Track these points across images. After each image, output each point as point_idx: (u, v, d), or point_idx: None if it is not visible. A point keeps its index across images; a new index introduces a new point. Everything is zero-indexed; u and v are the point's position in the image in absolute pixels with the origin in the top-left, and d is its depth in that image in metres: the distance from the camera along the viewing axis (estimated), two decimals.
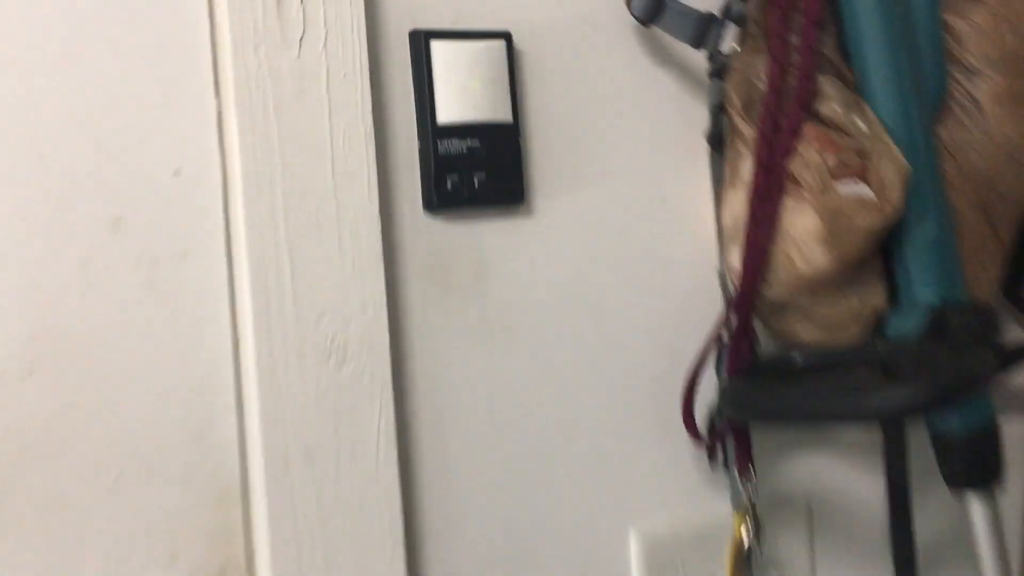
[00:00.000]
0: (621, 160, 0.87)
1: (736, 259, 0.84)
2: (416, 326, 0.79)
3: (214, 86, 0.72)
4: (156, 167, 0.71)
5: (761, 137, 0.81)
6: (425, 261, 0.80)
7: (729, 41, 0.85)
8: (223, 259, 0.72)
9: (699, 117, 0.89)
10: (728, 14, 0.84)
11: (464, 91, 0.79)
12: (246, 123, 0.71)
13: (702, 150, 0.89)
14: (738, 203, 0.84)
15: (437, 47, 0.78)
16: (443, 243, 0.80)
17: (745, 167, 0.84)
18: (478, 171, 0.80)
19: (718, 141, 0.86)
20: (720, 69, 0.85)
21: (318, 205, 0.74)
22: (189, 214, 0.71)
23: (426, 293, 0.80)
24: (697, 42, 0.83)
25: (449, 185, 0.79)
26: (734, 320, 0.83)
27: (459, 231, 0.81)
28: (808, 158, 0.80)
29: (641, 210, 0.88)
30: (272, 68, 0.72)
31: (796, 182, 0.81)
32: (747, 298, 0.82)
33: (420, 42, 0.78)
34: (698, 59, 0.88)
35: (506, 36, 0.81)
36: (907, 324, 0.81)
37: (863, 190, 0.79)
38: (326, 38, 0.74)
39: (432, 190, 0.79)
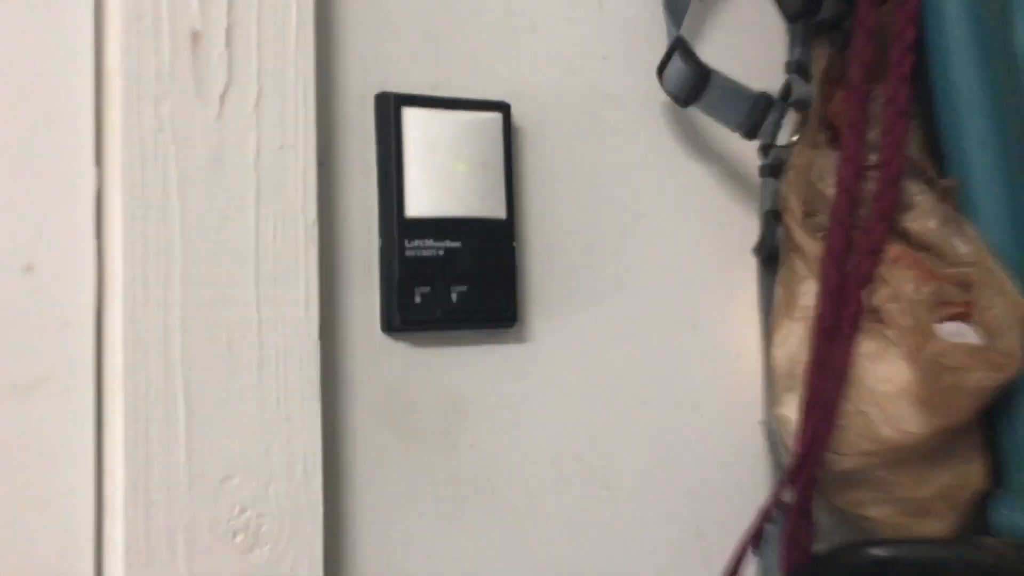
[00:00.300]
0: (642, 273, 0.67)
1: (792, 412, 0.63)
2: (364, 492, 0.58)
3: (94, 150, 0.52)
4: None
5: (829, 256, 0.62)
6: (381, 401, 0.59)
7: (787, 131, 0.66)
8: (89, 393, 0.51)
9: (745, 225, 0.70)
10: (788, 97, 0.65)
11: (444, 176, 0.59)
12: (135, 203, 0.51)
13: (747, 266, 0.70)
14: (796, 339, 0.64)
15: (411, 117, 0.59)
16: (406, 376, 0.60)
17: (806, 293, 0.64)
18: (457, 282, 0.60)
19: (770, 256, 0.66)
20: (776, 166, 0.66)
21: (231, 321, 0.53)
22: (43, 327, 0.51)
23: (380, 445, 0.59)
24: (749, 130, 0.64)
25: (418, 298, 0.59)
26: (789, 495, 0.62)
27: (428, 360, 0.60)
28: (896, 288, 0.61)
29: (666, 339, 0.68)
30: (178, 131, 0.52)
31: (878, 319, 0.61)
32: (808, 467, 0.61)
33: (389, 108, 0.59)
34: (746, 152, 0.69)
35: (503, 108, 0.62)
36: (1020, 517, 0.61)
37: (969, 335, 0.60)
38: (259, 95, 0.54)
39: (395, 305, 0.58)
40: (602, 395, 0.65)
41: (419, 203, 0.59)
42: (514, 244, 0.61)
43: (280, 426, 0.54)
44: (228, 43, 0.54)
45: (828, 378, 0.61)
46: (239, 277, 0.53)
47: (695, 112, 0.67)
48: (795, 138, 0.66)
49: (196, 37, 0.53)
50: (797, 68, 0.65)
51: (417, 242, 0.59)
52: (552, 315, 0.64)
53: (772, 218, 0.65)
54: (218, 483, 0.52)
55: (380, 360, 0.59)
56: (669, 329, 0.68)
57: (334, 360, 0.58)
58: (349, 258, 0.59)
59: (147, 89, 0.51)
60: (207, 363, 0.52)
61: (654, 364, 0.67)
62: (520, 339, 0.63)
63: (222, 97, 0.53)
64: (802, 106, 0.65)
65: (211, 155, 0.53)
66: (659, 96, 0.67)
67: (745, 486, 0.69)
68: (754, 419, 0.70)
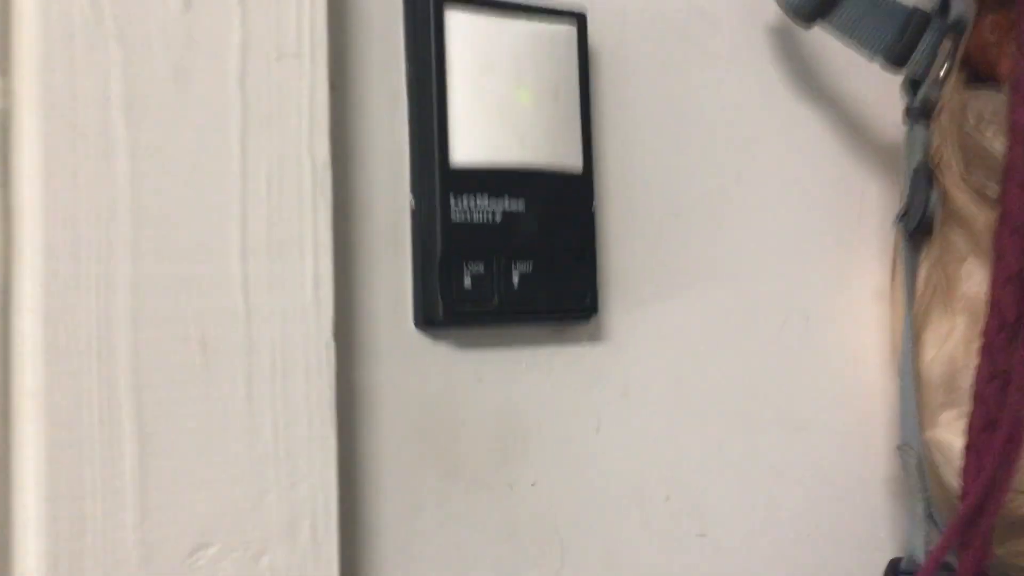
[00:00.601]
0: (744, 249, 0.51)
1: (956, 437, 0.48)
2: (395, 556, 0.41)
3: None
4: None
5: (1007, 226, 0.46)
6: (415, 426, 0.42)
7: (939, 64, 0.51)
8: None
9: (873, 187, 0.55)
10: (947, 14, 0.49)
11: (503, 108, 0.42)
12: (58, 135, 0.33)
13: (878, 240, 0.54)
14: (958, 338, 0.48)
15: (458, 22, 0.41)
16: (449, 390, 0.43)
17: (970, 276, 0.49)
18: (520, 258, 0.43)
19: (920, 227, 0.50)
20: (926, 108, 0.50)
21: (205, 312, 0.35)
22: None
23: (415, 488, 0.41)
24: (897, 56, 0.48)
25: (468, 281, 0.42)
26: (952, 545, 0.46)
27: (479, 367, 0.43)
28: None
29: (772, 335, 0.51)
30: (125, 24, 0.34)
31: None
32: (987, 516, 0.45)
33: (426, 9, 0.41)
34: (881, 89, 0.53)
35: (578, 18, 0.45)
36: None
37: None
38: None
39: (435, 291, 0.41)
40: (696, 413, 0.49)
41: (469, 146, 0.41)
42: (594, 208, 0.45)
43: (278, 466, 0.36)
44: None
45: (1011, 391, 0.45)
46: (216, 246, 0.36)
47: (816, 36, 0.51)
48: (944, 70, 0.50)
49: None
50: None
51: (467, 201, 0.41)
52: (635, 305, 0.48)
53: (923, 176, 0.49)
54: (185, 556, 0.35)
55: (414, 367, 0.42)
56: (775, 322, 0.52)
57: (350, 370, 0.40)
58: (369, 223, 0.41)
59: None
60: (169, 374, 0.35)
61: (758, 370, 0.51)
62: (596, 337, 0.46)
63: None
64: (959, 28, 0.49)
65: (174, 63, 0.35)
66: (769, 13, 0.51)
67: (873, 532, 0.53)
68: (885, 443, 0.54)
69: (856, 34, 0.48)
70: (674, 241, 0.49)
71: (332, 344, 0.38)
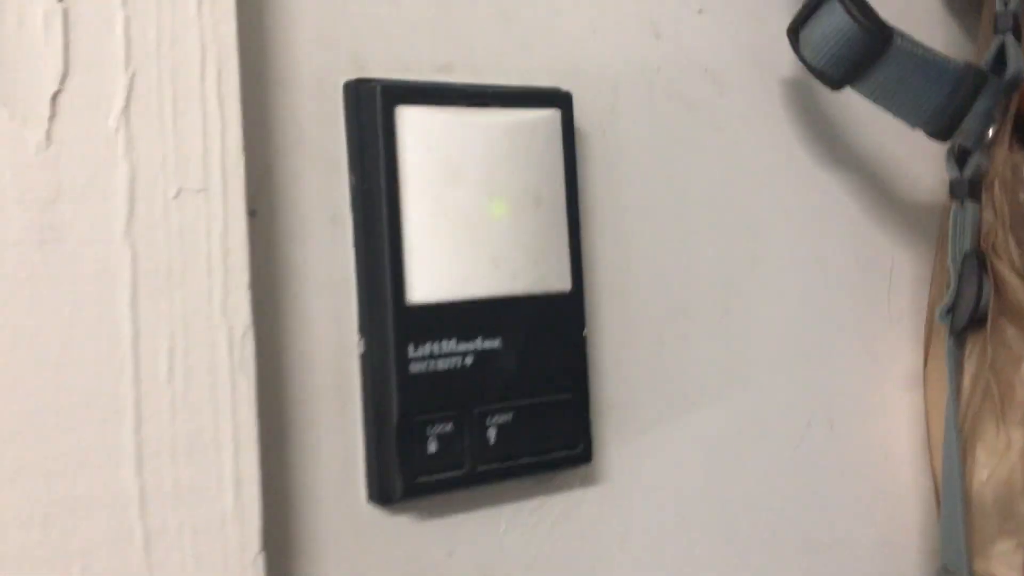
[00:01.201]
0: (759, 351, 0.43)
1: (1013, 573, 0.41)
2: None
3: None
4: None
5: None
6: None
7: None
8: None
9: (904, 258, 0.47)
10: (1003, 70, 0.41)
11: (471, 225, 0.34)
12: None
13: (909, 320, 0.47)
14: (1013, 456, 0.41)
15: (413, 121, 0.33)
16: (415, 570, 0.35)
17: None
18: (497, 407, 0.34)
19: (972, 323, 0.42)
20: (976, 182, 0.42)
21: (87, 544, 0.27)
22: None
23: None
24: (946, 125, 0.40)
25: (432, 446, 0.33)
26: None
27: (449, 538, 0.35)
28: None
29: (793, 444, 0.44)
30: None
31: None
32: None
33: (373, 107, 0.32)
34: (917, 158, 0.45)
35: (562, 100, 0.36)
36: None
37: None
38: (129, 91, 0.28)
39: (391, 461, 0.33)
40: (707, 550, 0.41)
41: (430, 277, 0.33)
42: (585, 332, 0.37)
43: None
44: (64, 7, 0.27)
45: None
46: (103, 457, 0.27)
47: (838, 101, 0.42)
48: (991, 133, 0.42)
49: None
50: (1014, 24, 0.41)
51: (429, 347, 0.33)
52: (635, 434, 0.40)
53: (974, 263, 0.41)
54: None
55: (370, 552, 0.34)
56: (796, 430, 0.44)
57: (291, 569, 0.32)
58: (308, 378, 0.33)
59: None
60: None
61: (777, 488, 0.43)
62: (590, 480, 0.39)
63: (54, 101, 0.27)
64: (1014, 86, 0.41)
65: (36, 220, 0.27)
66: (783, 68, 0.43)
67: None
68: (921, 561, 0.47)
69: (895, 99, 0.40)
70: (678, 349, 0.41)
71: (261, 558, 0.30)
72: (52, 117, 0.27)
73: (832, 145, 0.45)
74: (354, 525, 0.33)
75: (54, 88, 0.27)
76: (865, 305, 0.47)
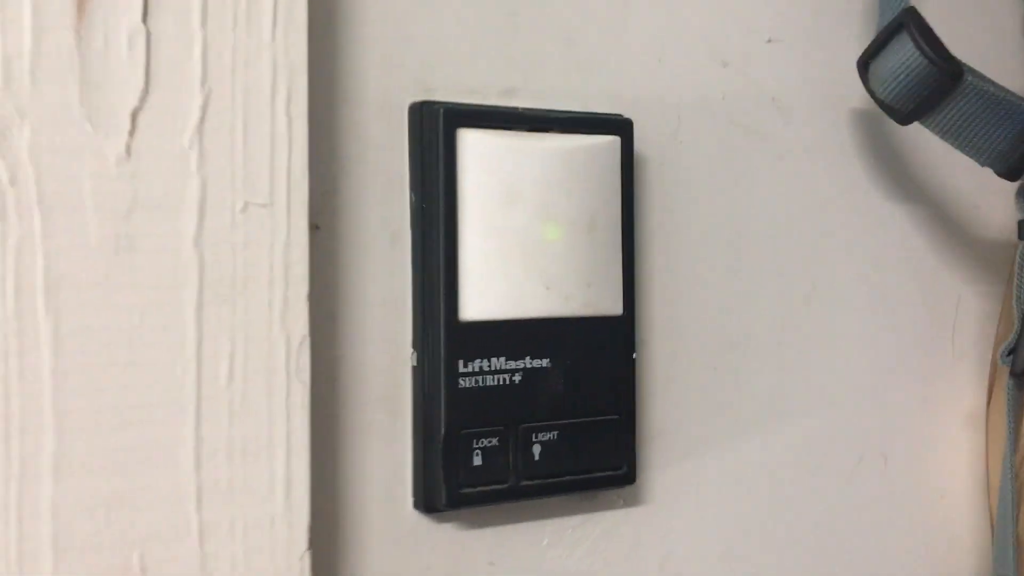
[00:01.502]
0: (815, 381, 0.43)
1: None
2: None
3: None
4: None
5: None
6: None
7: None
8: None
9: (970, 293, 0.47)
10: None
11: (526, 247, 0.35)
12: None
13: (975, 356, 0.46)
14: None
15: (473, 143, 0.34)
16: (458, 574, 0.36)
17: None
18: (543, 425, 0.35)
19: None
20: None
21: (147, 533, 0.29)
22: None
23: None
24: (1014, 165, 0.40)
25: (477, 459, 0.35)
26: None
27: (491, 549, 0.36)
28: None
29: (844, 479, 0.44)
30: (51, 185, 0.27)
31: None
32: None
33: (435, 130, 0.34)
34: (987, 196, 0.45)
35: (623, 126, 0.37)
36: None
37: None
38: (203, 112, 0.29)
39: (437, 470, 0.34)
40: None
41: (484, 296, 0.34)
42: (634, 356, 0.37)
43: None
44: (145, 11, 0.29)
45: None
46: (164, 453, 0.29)
47: (908, 133, 0.42)
48: None
49: (81, 6, 0.28)
50: None
51: (479, 362, 0.34)
52: (680, 458, 0.40)
53: None
54: None
55: (414, 558, 0.35)
56: (847, 465, 0.44)
57: (338, 569, 0.34)
58: (362, 386, 0.34)
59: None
60: None
61: (827, 524, 0.43)
62: (634, 500, 0.39)
63: (134, 116, 0.29)
64: None
65: (112, 229, 0.28)
66: (853, 99, 0.43)
67: None
68: None
69: (963, 137, 0.39)
70: (729, 378, 0.41)
71: (308, 556, 0.31)
72: (132, 132, 0.28)
73: (899, 179, 0.45)
74: (399, 530, 0.35)
75: (134, 104, 0.28)
76: (928, 341, 0.46)
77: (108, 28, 0.28)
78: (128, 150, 0.29)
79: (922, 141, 0.44)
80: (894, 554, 0.45)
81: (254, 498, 0.30)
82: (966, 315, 0.47)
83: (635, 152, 0.38)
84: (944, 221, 0.46)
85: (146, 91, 0.29)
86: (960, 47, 0.40)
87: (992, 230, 0.47)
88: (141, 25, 0.28)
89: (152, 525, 0.29)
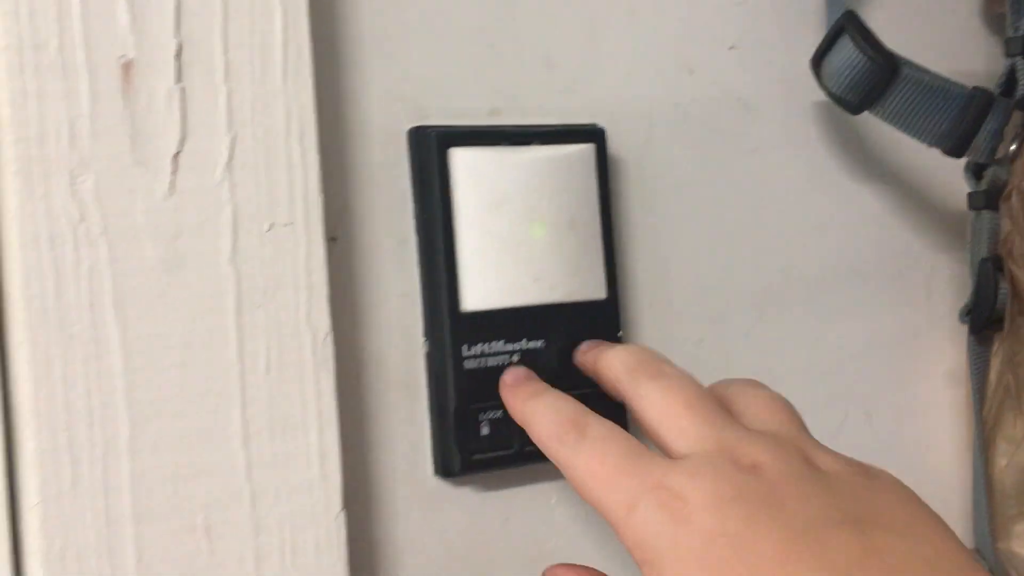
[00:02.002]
0: (795, 349, 0.48)
1: None
2: None
3: None
4: None
5: None
6: (442, 573, 0.41)
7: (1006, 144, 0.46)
8: None
9: (943, 261, 0.51)
10: (1013, 91, 0.44)
11: (515, 245, 0.40)
12: (47, 339, 0.33)
13: (951, 321, 0.50)
14: None
15: (464, 160, 0.39)
16: (475, 534, 0.41)
17: None
18: None
19: (988, 323, 0.46)
20: (993, 192, 0.45)
21: (210, 500, 0.35)
22: None
23: None
24: (956, 144, 0.44)
25: (485, 429, 0.40)
26: None
27: (505, 508, 0.42)
28: None
29: (830, 437, 0.48)
30: (110, 218, 0.34)
31: None
32: None
33: (430, 150, 0.39)
34: (941, 173, 0.49)
35: (596, 135, 0.42)
36: None
37: None
38: (232, 149, 0.36)
39: (451, 440, 0.40)
40: None
41: (481, 289, 0.40)
42: (620, 334, 0.43)
43: None
44: (179, 74, 0.35)
45: None
46: (217, 432, 0.35)
47: (866, 120, 0.47)
48: (1013, 148, 0.46)
49: (128, 68, 0.34)
50: None
51: (481, 346, 0.40)
52: None
53: (991, 268, 0.45)
54: None
55: (436, 518, 0.41)
56: (832, 423, 0.49)
57: (370, 529, 0.40)
58: (383, 371, 0.40)
59: (56, 157, 0.33)
60: (175, 566, 0.35)
61: None
62: None
63: (175, 159, 0.35)
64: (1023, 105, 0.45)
65: (163, 251, 0.35)
66: (814, 94, 0.48)
67: None
68: None
69: (909, 123, 0.44)
70: (714, 351, 0.46)
71: (343, 516, 0.37)
72: (174, 171, 0.35)
73: (863, 163, 0.49)
74: (421, 494, 0.40)
75: (175, 149, 0.35)
76: (903, 307, 0.50)
77: (149, 89, 0.35)
78: (172, 187, 0.35)
79: (879, 127, 0.48)
80: None
81: (294, 468, 0.36)
82: (939, 282, 0.51)
83: (612, 156, 0.43)
84: (909, 196, 0.51)
85: (183, 138, 0.35)
86: (919, 33, 0.44)
87: (959, 200, 0.51)
88: (175, 85, 0.35)
89: (211, 494, 0.35)
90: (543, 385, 0.38)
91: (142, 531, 0.34)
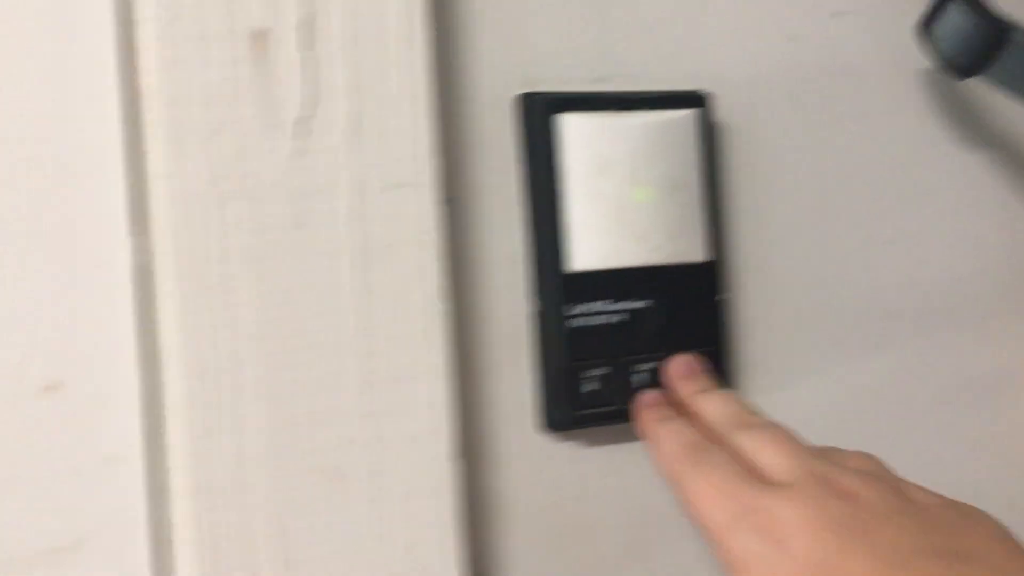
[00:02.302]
0: (896, 323, 0.48)
1: None
2: None
3: (128, 214, 0.37)
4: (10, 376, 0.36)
5: None
6: (548, 524, 0.42)
7: None
8: (145, 556, 0.37)
9: None
10: None
11: (620, 208, 0.41)
12: (190, 288, 0.36)
13: None
14: None
15: (571, 125, 0.41)
16: (581, 487, 0.43)
17: None
18: (645, 356, 0.42)
19: None
20: None
21: (336, 446, 0.37)
22: (76, 467, 0.36)
23: None
24: None
25: (590, 387, 0.42)
26: None
27: (609, 461, 0.43)
28: None
29: (934, 407, 0.48)
30: (241, 178, 0.36)
31: None
32: None
33: (537, 116, 0.41)
34: None
35: (698, 100, 0.43)
36: None
37: None
38: (355, 115, 0.38)
39: (558, 396, 0.41)
40: None
41: (587, 250, 0.41)
42: (721, 296, 0.44)
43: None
44: (305, 43, 0.37)
45: None
46: (342, 381, 0.37)
47: (975, 87, 0.46)
48: None
49: (258, 38, 0.37)
50: None
51: (586, 305, 0.41)
52: (773, 388, 0.46)
53: None
54: None
55: (542, 471, 0.42)
56: (936, 394, 0.49)
57: (478, 480, 0.41)
58: (492, 329, 0.42)
59: (192, 121, 0.36)
60: (308, 505, 0.37)
61: (914, 451, 0.48)
62: None
63: (302, 123, 0.37)
64: None
65: (290, 209, 0.37)
66: (918, 65, 0.47)
67: None
68: None
69: (1017, 87, 0.44)
70: (814, 318, 0.47)
71: (452, 464, 0.39)
72: (301, 135, 0.37)
73: (977, 125, 0.49)
74: (525, 447, 0.42)
75: (302, 114, 0.37)
76: (1017, 275, 0.50)
77: (279, 57, 0.37)
78: (298, 149, 0.37)
79: (984, 94, 0.48)
80: (977, 481, 0.49)
81: (409, 417, 0.38)
82: None
83: (716, 122, 0.44)
84: (1017, 162, 0.50)
85: (309, 103, 0.37)
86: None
87: None
88: (303, 53, 0.37)
89: (333, 439, 0.38)
90: (673, 412, 0.41)
91: (273, 471, 0.37)
